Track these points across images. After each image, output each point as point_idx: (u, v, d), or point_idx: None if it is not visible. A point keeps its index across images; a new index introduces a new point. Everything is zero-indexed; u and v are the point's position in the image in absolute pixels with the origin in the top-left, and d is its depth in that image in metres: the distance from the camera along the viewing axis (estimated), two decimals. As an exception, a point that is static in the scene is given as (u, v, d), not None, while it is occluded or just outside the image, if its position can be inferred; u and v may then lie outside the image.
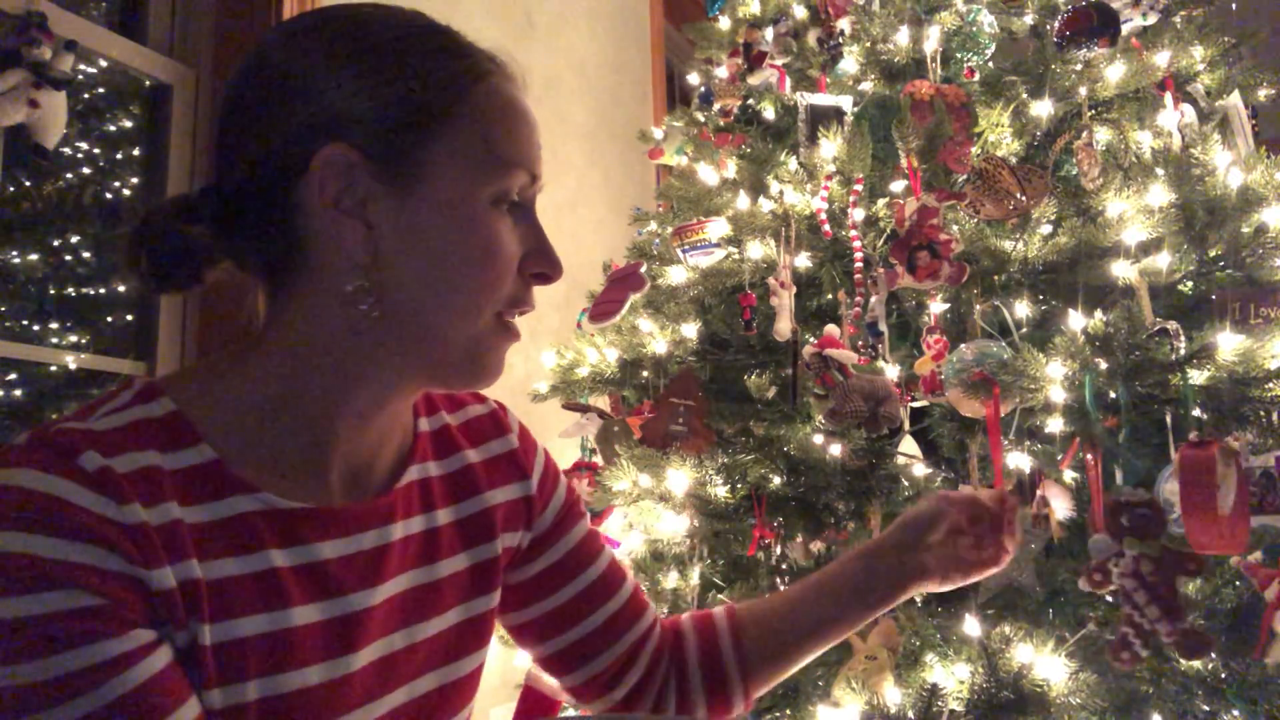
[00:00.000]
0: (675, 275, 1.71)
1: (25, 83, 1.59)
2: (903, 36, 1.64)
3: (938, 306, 1.41)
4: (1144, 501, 0.94)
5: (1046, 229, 1.43)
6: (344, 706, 0.65)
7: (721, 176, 1.81)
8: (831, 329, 1.41)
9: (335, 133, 0.62)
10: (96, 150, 1.96)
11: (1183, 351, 1.16)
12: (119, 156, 1.99)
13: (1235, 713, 1.18)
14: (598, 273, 1.85)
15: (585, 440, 1.82)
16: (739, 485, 1.49)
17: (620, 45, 3.34)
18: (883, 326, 1.41)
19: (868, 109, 1.73)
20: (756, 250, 1.60)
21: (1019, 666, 1.16)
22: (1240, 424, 1.16)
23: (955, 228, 1.43)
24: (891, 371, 1.40)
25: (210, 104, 2.00)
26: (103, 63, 1.89)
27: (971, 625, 1.23)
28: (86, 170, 1.94)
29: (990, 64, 1.69)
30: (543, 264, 0.69)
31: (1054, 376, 1.20)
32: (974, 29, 1.65)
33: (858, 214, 1.52)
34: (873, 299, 1.42)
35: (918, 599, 1.31)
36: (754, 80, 1.88)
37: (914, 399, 1.43)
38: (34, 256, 1.85)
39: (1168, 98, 1.54)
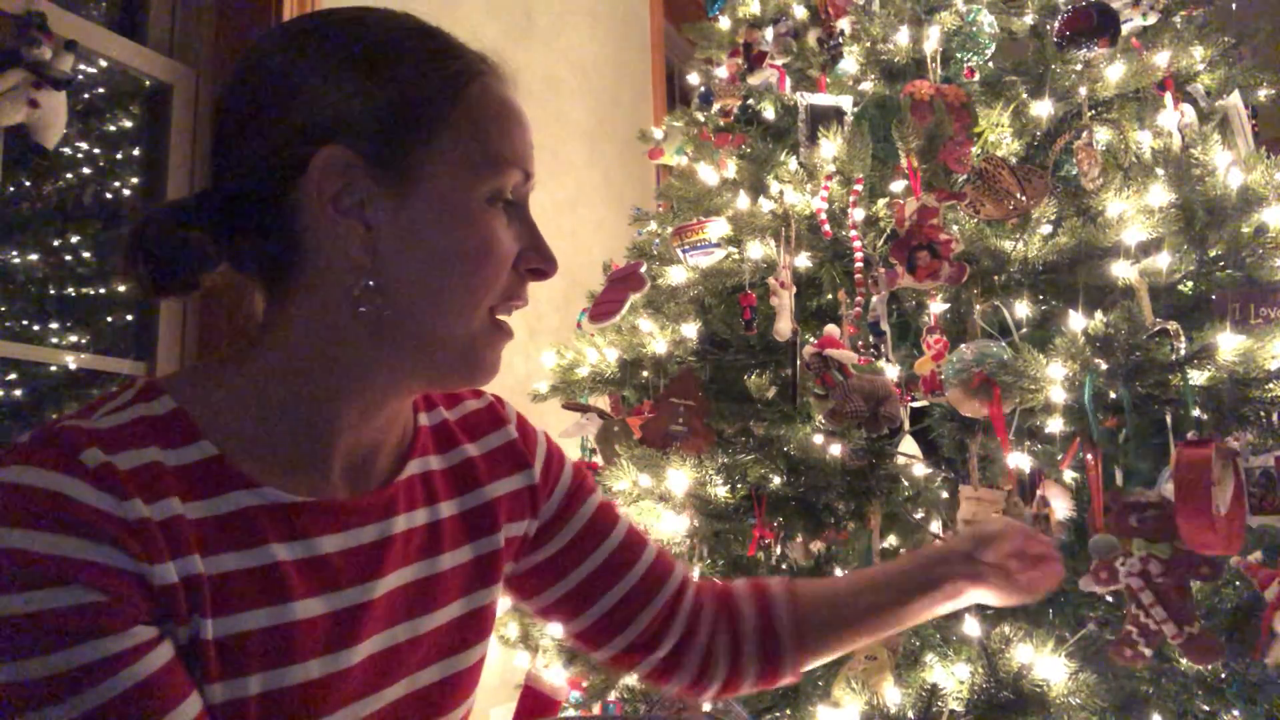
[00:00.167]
0: (675, 275, 1.71)
1: (25, 83, 1.60)
2: (903, 36, 1.64)
3: (938, 306, 1.41)
4: (1154, 503, 0.94)
5: (1046, 229, 1.43)
6: (346, 698, 0.65)
7: (721, 176, 1.81)
8: (831, 329, 1.41)
9: (332, 135, 0.62)
10: (96, 150, 1.96)
11: (1183, 352, 1.16)
12: (119, 156, 1.99)
13: (1235, 713, 1.18)
14: (598, 273, 1.85)
15: (585, 440, 1.82)
16: (739, 485, 1.49)
17: (620, 45, 3.34)
18: (884, 326, 1.41)
19: (868, 109, 1.73)
20: (756, 250, 1.60)
21: (1019, 666, 1.16)
22: (1240, 424, 1.16)
23: (955, 228, 1.43)
24: (891, 371, 1.40)
25: (210, 104, 2.01)
26: (103, 63, 1.89)
27: (971, 625, 1.23)
28: (86, 170, 1.94)
29: (990, 64, 1.69)
30: (538, 260, 0.70)
31: (1054, 377, 1.20)
32: (974, 29, 1.65)
33: (858, 214, 1.52)
34: (874, 299, 1.42)
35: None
36: (754, 80, 1.88)
37: (914, 399, 1.43)
38: (34, 256, 1.85)
39: (1168, 98, 1.54)
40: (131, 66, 1.90)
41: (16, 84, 1.59)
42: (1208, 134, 1.46)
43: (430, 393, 0.81)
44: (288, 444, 0.66)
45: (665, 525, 1.46)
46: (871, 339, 1.43)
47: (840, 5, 1.74)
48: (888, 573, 0.92)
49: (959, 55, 1.66)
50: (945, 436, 1.44)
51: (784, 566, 1.51)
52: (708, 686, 0.89)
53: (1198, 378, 1.16)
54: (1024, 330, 1.43)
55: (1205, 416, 1.19)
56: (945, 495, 1.46)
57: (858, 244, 1.49)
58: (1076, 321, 1.30)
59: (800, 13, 1.86)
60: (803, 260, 1.61)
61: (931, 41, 1.60)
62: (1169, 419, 1.17)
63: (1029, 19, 1.74)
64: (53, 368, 1.83)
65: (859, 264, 1.47)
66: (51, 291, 1.88)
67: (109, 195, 1.97)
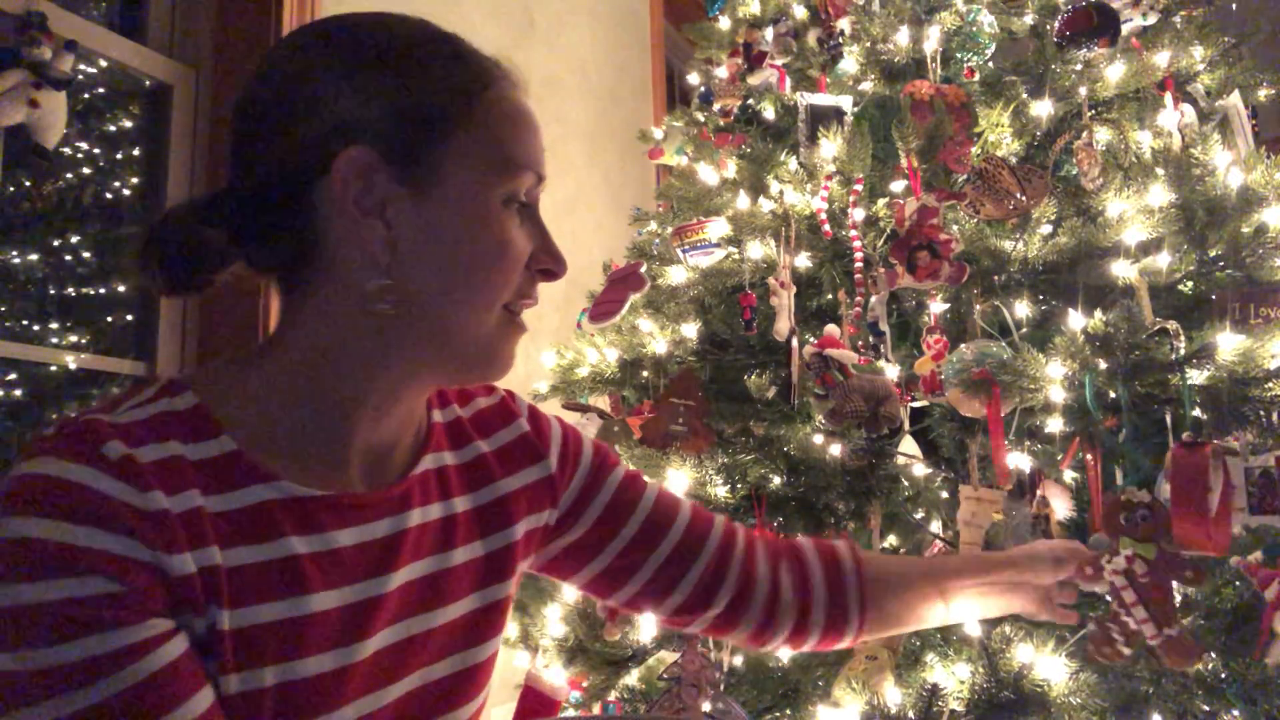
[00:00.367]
0: (675, 275, 1.71)
1: (25, 83, 1.60)
2: (903, 36, 1.64)
3: (938, 306, 1.41)
4: (1145, 503, 0.94)
5: (1046, 229, 1.43)
6: (359, 690, 0.66)
7: (721, 176, 1.81)
8: (831, 329, 1.41)
9: (354, 137, 0.64)
10: (96, 150, 1.96)
11: (1182, 351, 1.16)
12: (119, 156, 1.99)
13: (1235, 713, 1.18)
14: (598, 273, 1.85)
15: (585, 440, 1.82)
16: (739, 485, 1.49)
17: (620, 45, 3.34)
18: (884, 326, 1.41)
19: (868, 109, 1.73)
20: (756, 250, 1.60)
21: (1019, 666, 1.16)
22: (1240, 424, 1.16)
23: (955, 228, 1.43)
24: (891, 371, 1.40)
25: (210, 104, 2.01)
26: (103, 63, 1.89)
27: (971, 625, 1.23)
28: (86, 170, 1.94)
29: (990, 64, 1.69)
30: (549, 261, 0.72)
31: (1054, 376, 1.20)
32: (974, 29, 1.65)
33: (858, 214, 1.52)
34: (874, 299, 1.42)
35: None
36: (754, 80, 1.88)
37: (914, 399, 1.43)
38: (34, 256, 1.85)
39: (1168, 98, 1.54)
40: (131, 66, 1.90)
41: (16, 84, 1.58)
42: (1208, 134, 1.46)
43: (444, 389, 0.82)
44: (306, 439, 0.67)
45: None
46: (871, 339, 1.43)
47: (840, 5, 1.74)
48: (947, 565, 0.96)
49: (959, 55, 1.66)
50: (945, 436, 1.44)
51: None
52: (772, 638, 0.90)
53: (1197, 377, 1.16)
54: (1024, 330, 1.43)
55: (1205, 416, 1.19)
56: (945, 495, 1.46)
57: (858, 244, 1.48)
58: (1076, 321, 1.30)
59: (800, 13, 1.86)
60: (803, 260, 1.61)
61: (931, 41, 1.60)
62: (1169, 418, 1.17)
63: (1029, 19, 1.74)
64: (53, 368, 1.83)
65: (859, 264, 1.47)
66: (51, 291, 1.88)
67: (109, 195, 1.97)
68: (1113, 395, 1.21)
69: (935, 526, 1.47)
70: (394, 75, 0.65)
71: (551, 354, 1.82)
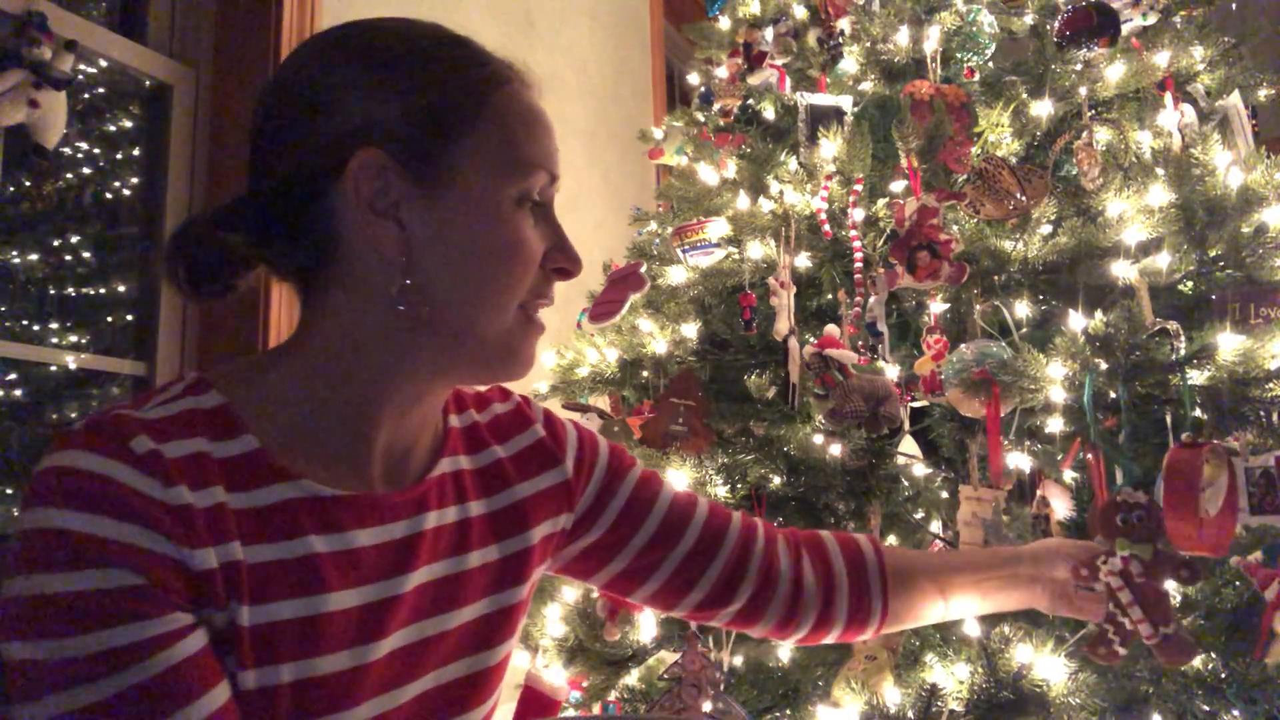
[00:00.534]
0: (675, 275, 1.71)
1: (25, 83, 1.60)
2: (903, 36, 1.64)
3: (938, 306, 1.41)
4: (1141, 504, 0.94)
5: (1046, 229, 1.43)
6: (373, 690, 0.67)
7: (721, 176, 1.81)
8: (831, 329, 1.41)
9: (367, 139, 0.65)
10: (96, 150, 1.96)
11: (1182, 351, 1.16)
12: (119, 156, 1.99)
13: (1235, 713, 1.18)
14: (598, 273, 1.85)
15: (585, 440, 1.82)
16: (739, 485, 1.49)
17: (620, 45, 3.34)
18: (882, 327, 1.41)
19: (868, 109, 1.73)
20: (756, 250, 1.60)
21: (1019, 666, 1.16)
22: (1240, 424, 1.16)
23: (955, 228, 1.43)
24: (891, 371, 1.40)
25: (210, 104, 2.01)
26: (103, 63, 1.89)
27: (971, 625, 1.23)
28: (86, 170, 1.94)
29: (990, 64, 1.69)
30: (563, 260, 0.73)
31: (1054, 377, 1.20)
32: (974, 29, 1.65)
33: (858, 214, 1.52)
34: (872, 299, 1.42)
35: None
36: (754, 80, 1.88)
37: (914, 399, 1.43)
38: (34, 256, 1.85)
39: (1168, 98, 1.54)
40: (131, 66, 1.90)
41: (16, 84, 1.58)
42: (1208, 134, 1.46)
43: (461, 393, 0.83)
44: (327, 439, 0.68)
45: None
46: (870, 339, 1.43)
47: (840, 5, 1.74)
48: (977, 560, 0.96)
49: (959, 55, 1.66)
50: (945, 436, 1.44)
51: (784, 566, 1.51)
52: (795, 630, 0.90)
53: (1197, 377, 1.16)
54: (1024, 330, 1.43)
55: (1205, 416, 1.19)
56: (945, 495, 1.46)
57: (858, 244, 1.48)
58: (1076, 321, 1.30)
59: (800, 13, 1.86)
60: (803, 260, 1.61)
61: (931, 41, 1.60)
62: (1169, 419, 1.17)
63: (1029, 19, 1.74)
64: (53, 368, 1.83)
65: (859, 264, 1.47)
66: (51, 291, 1.88)
67: (109, 195, 1.97)
68: (1113, 395, 1.21)
69: (935, 526, 1.47)
70: (406, 78, 0.66)
71: (551, 354, 1.82)
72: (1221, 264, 1.41)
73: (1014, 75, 1.63)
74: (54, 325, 1.87)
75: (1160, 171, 1.40)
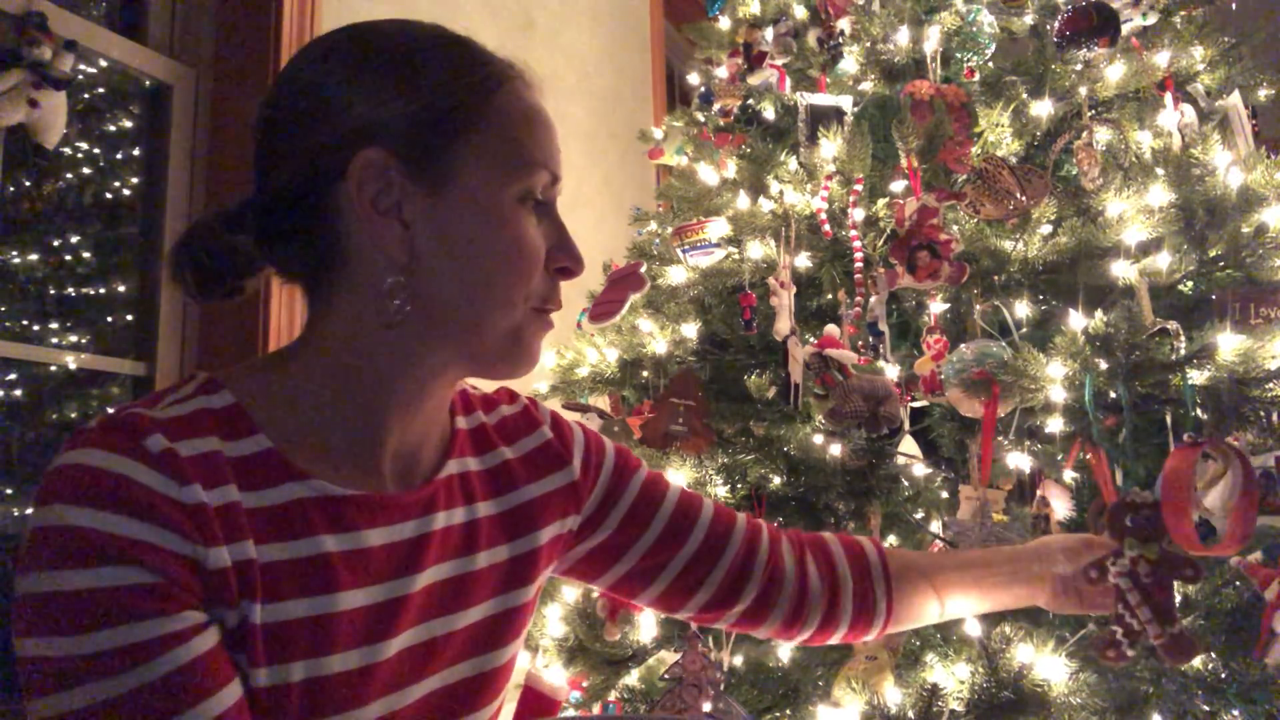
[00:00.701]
0: (675, 275, 1.71)
1: (25, 83, 1.60)
2: (903, 36, 1.64)
3: (938, 306, 1.41)
4: (1149, 504, 0.94)
5: (1046, 229, 1.43)
6: (382, 689, 0.67)
7: (721, 176, 1.81)
8: (831, 329, 1.41)
9: (369, 139, 0.65)
10: (96, 150, 1.96)
11: (1182, 351, 1.16)
12: (119, 156, 1.99)
13: (1235, 713, 1.18)
14: (598, 273, 1.85)
15: (585, 440, 1.82)
16: (739, 485, 1.49)
17: (620, 45, 3.34)
18: (883, 326, 1.41)
19: (868, 109, 1.73)
20: (756, 250, 1.60)
21: (1019, 666, 1.16)
22: (1240, 424, 1.16)
23: (955, 228, 1.43)
24: (891, 371, 1.40)
25: (210, 104, 2.01)
26: (103, 63, 1.89)
27: (971, 625, 1.23)
28: (86, 170, 1.94)
29: (990, 64, 1.69)
30: (565, 259, 0.73)
31: (1054, 376, 1.19)
32: (974, 29, 1.65)
33: (858, 214, 1.52)
34: (873, 299, 1.42)
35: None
36: (754, 80, 1.88)
37: (914, 399, 1.43)
38: (34, 256, 1.85)
39: (1168, 98, 1.54)
40: (131, 66, 1.90)
41: (16, 84, 1.59)
42: (1208, 134, 1.46)
43: (469, 395, 0.84)
44: (338, 439, 0.68)
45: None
46: (871, 339, 1.43)
47: (840, 5, 1.74)
48: (974, 559, 0.96)
49: (959, 55, 1.66)
50: (945, 436, 1.44)
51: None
52: (801, 630, 0.91)
53: (1197, 377, 1.16)
54: (1024, 330, 1.43)
55: (1205, 416, 1.19)
56: (945, 495, 1.46)
57: (858, 244, 1.48)
58: (1076, 321, 1.30)
59: (800, 13, 1.85)
60: (803, 260, 1.61)
61: (931, 41, 1.60)
62: (1169, 419, 1.17)
63: (1029, 19, 1.74)
64: (53, 368, 1.83)
65: (859, 264, 1.47)
66: (51, 291, 1.88)
67: (109, 195, 1.97)
68: (1113, 395, 1.21)
69: (935, 526, 1.47)
70: (408, 78, 0.66)
71: (551, 354, 1.82)
72: (1221, 264, 1.40)
73: (1014, 75, 1.63)
74: (54, 325, 1.87)
75: (1160, 171, 1.40)
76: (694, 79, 2.21)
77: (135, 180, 1.99)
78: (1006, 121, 1.52)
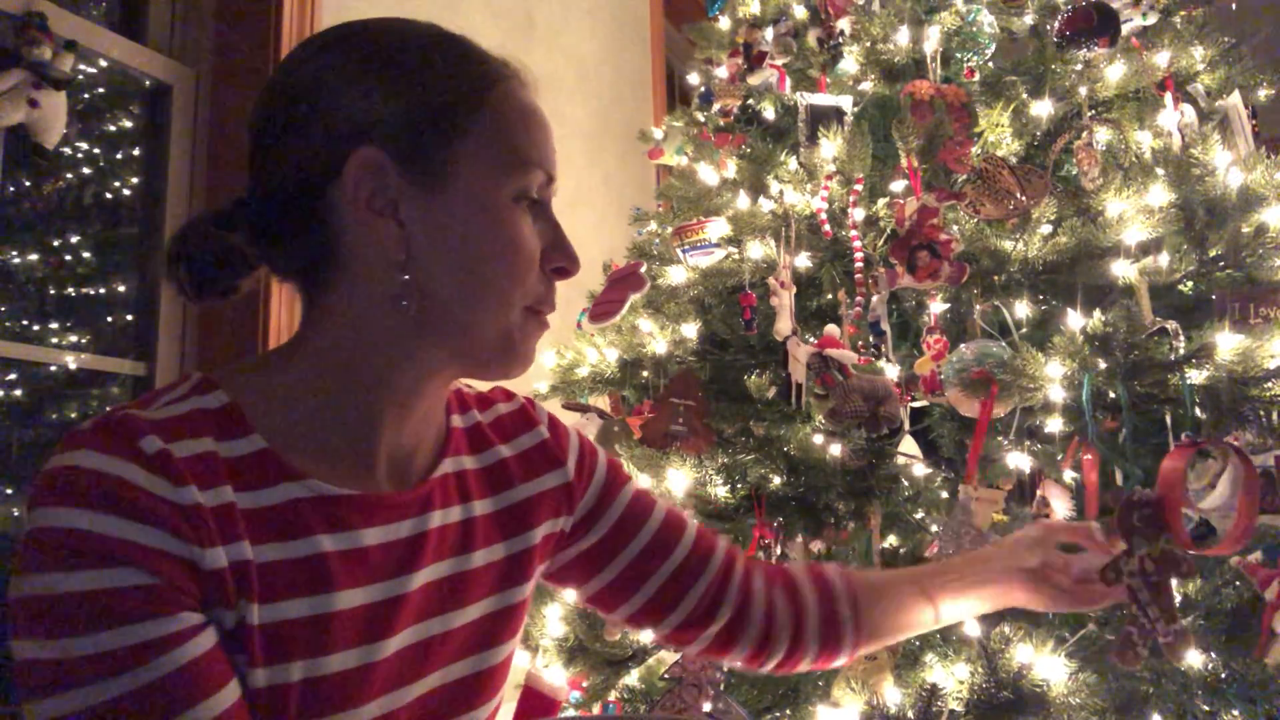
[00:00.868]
0: (675, 275, 1.71)
1: (25, 83, 1.60)
2: (903, 36, 1.64)
3: (938, 306, 1.41)
4: (1151, 502, 0.94)
5: (1046, 229, 1.43)
6: (380, 689, 0.67)
7: (721, 176, 1.81)
8: (831, 329, 1.41)
9: (364, 137, 0.65)
10: (96, 150, 1.96)
11: (1181, 351, 1.16)
12: (119, 156, 1.99)
13: (1235, 713, 1.18)
14: (598, 273, 1.85)
15: (585, 440, 1.82)
16: (739, 485, 1.49)
17: (620, 45, 3.34)
18: (885, 326, 1.41)
19: (868, 109, 1.73)
20: (756, 250, 1.60)
21: (1019, 666, 1.16)
22: (1239, 423, 1.16)
23: (955, 228, 1.43)
24: (891, 371, 1.40)
25: (210, 104, 2.01)
26: (103, 63, 1.89)
27: (971, 625, 1.23)
28: (86, 170, 1.94)
29: (990, 64, 1.69)
30: (561, 259, 0.73)
31: (1052, 376, 1.19)
32: (974, 29, 1.65)
33: (858, 214, 1.52)
34: (874, 299, 1.42)
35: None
36: (754, 80, 1.88)
37: (914, 399, 1.43)
38: (34, 256, 1.85)
39: (1168, 98, 1.54)
40: (131, 66, 1.90)
41: (16, 84, 1.59)
42: (1208, 134, 1.46)
43: (464, 394, 0.84)
44: (333, 438, 0.68)
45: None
46: (871, 339, 1.43)
47: (840, 5, 1.74)
48: (937, 571, 0.96)
49: (959, 55, 1.66)
50: (945, 436, 1.44)
51: (784, 566, 1.51)
52: (768, 658, 0.91)
53: (1196, 377, 1.16)
54: (1024, 330, 1.43)
55: (1204, 416, 1.19)
56: (945, 495, 1.46)
57: (858, 244, 1.48)
58: (1075, 321, 1.30)
59: (800, 13, 1.86)
60: (803, 260, 1.61)
61: (931, 41, 1.60)
62: (1169, 418, 1.17)
63: (1029, 19, 1.74)
64: (53, 368, 1.83)
65: (859, 264, 1.47)
66: (51, 291, 1.88)
67: (109, 195, 1.97)
68: (1112, 395, 1.21)
69: (935, 527, 1.47)
70: (402, 76, 0.66)
71: (551, 354, 1.82)
72: (1221, 264, 1.40)
73: (1014, 75, 1.63)
74: (54, 325, 1.87)
75: (1160, 171, 1.40)
76: (694, 79, 2.21)
77: (135, 180, 1.99)
78: (1006, 121, 1.52)
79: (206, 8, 2.02)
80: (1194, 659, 1.19)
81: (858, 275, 1.46)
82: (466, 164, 0.67)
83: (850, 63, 1.73)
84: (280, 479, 0.64)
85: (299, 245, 0.68)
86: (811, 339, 1.44)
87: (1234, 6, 1.91)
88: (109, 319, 1.96)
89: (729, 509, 1.48)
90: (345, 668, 0.64)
